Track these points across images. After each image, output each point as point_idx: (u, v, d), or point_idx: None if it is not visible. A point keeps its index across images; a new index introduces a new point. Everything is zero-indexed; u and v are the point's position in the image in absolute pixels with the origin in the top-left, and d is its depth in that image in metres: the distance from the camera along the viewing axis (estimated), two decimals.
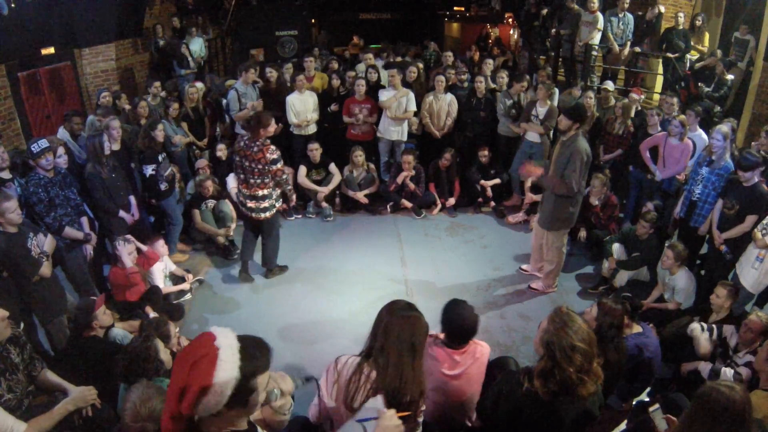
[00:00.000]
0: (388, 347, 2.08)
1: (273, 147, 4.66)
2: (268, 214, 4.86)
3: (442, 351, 2.65)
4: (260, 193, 4.76)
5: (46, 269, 3.61)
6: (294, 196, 5.16)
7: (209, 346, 1.42)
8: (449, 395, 2.68)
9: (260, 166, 4.64)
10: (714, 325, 3.67)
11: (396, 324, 2.11)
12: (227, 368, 1.38)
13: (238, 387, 1.40)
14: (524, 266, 5.46)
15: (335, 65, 7.99)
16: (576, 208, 4.66)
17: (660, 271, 4.63)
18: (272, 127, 4.71)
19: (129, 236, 4.55)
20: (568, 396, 2.15)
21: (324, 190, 6.56)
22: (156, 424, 2.14)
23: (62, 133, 5.43)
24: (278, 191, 4.93)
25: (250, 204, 4.81)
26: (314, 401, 2.24)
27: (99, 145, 4.56)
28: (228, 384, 1.38)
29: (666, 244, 4.73)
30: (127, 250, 4.36)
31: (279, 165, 4.69)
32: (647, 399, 3.50)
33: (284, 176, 4.86)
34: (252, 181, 4.72)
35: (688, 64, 7.78)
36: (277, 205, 4.97)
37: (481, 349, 2.72)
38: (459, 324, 2.66)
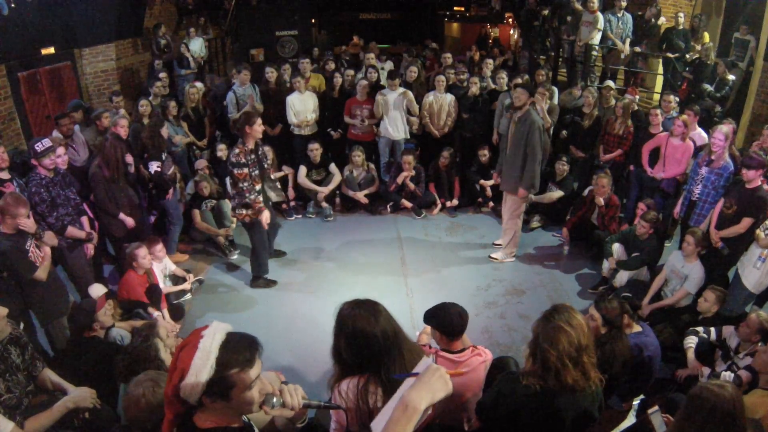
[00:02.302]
0: (381, 361, 2.00)
1: (238, 151, 4.43)
2: (237, 216, 4.75)
3: (442, 359, 2.62)
4: (231, 191, 4.78)
5: (41, 273, 3.58)
6: (259, 209, 4.63)
7: (197, 334, 1.50)
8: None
9: (229, 166, 4.55)
10: (712, 328, 3.68)
11: (374, 336, 2.01)
12: (202, 356, 1.44)
13: (213, 377, 1.44)
14: (494, 254, 5.65)
15: (332, 66, 7.98)
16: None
17: (668, 263, 4.61)
18: (258, 127, 4.48)
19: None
20: (558, 383, 2.14)
21: (324, 190, 6.56)
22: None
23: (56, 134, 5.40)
24: (248, 196, 4.57)
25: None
26: (332, 426, 2.20)
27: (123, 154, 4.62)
28: (201, 372, 1.43)
29: (666, 243, 4.72)
30: (141, 253, 4.33)
31: (236, 170, 4.43)
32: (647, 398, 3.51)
33: (244, 184, 4.50)
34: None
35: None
36: (239, 212, 4.65)
37: (479, 359, 2.70)
38: (453, 320, 2.66)
